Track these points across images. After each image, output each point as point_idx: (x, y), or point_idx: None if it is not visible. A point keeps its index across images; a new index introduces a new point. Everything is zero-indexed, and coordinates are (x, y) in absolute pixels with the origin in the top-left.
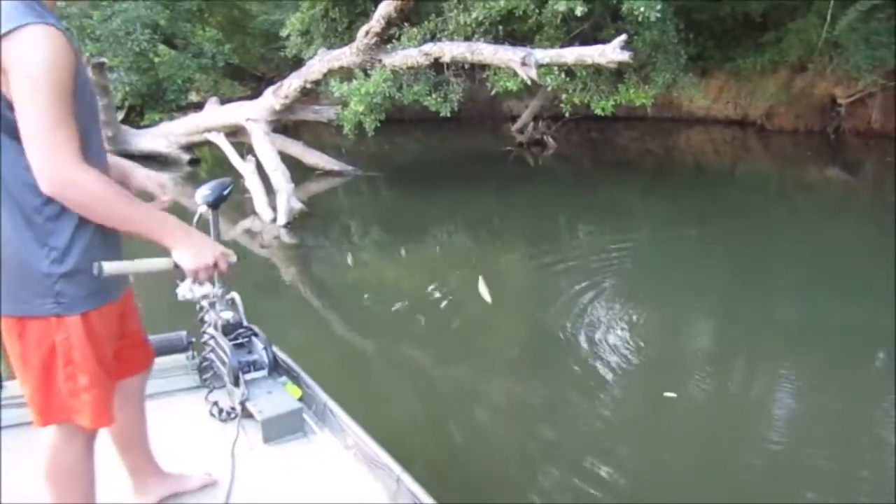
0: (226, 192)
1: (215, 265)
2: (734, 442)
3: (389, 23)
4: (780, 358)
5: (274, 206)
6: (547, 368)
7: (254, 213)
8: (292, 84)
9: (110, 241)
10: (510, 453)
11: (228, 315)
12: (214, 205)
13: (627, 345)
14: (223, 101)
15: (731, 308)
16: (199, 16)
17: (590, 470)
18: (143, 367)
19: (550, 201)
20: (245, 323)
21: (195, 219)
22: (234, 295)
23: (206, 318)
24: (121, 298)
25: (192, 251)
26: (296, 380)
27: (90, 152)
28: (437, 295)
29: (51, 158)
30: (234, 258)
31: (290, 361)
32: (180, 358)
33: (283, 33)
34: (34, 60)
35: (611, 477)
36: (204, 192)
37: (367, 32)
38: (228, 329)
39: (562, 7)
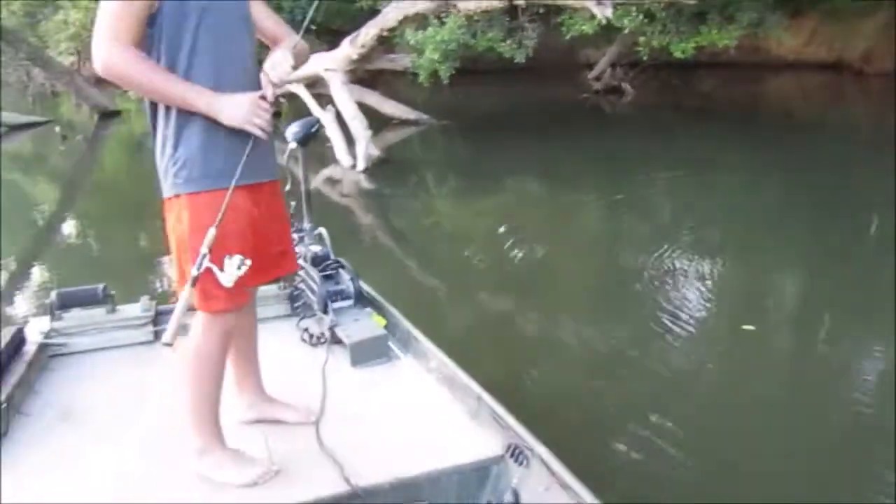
0: (313, 130)
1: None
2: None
3: None
4: (866, 317)
5: (353, 154)
6: (621, 307)
7: (335, 161)
8: (369, 33)
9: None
10: (584, 387)
11: (317, 248)
12: (303, 142)
13: (703, 288)
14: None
15: (815, 262)
16: None
17: (667, 407)
18: (277, 274)
19: (626, 150)
20: (332, 256)
21: (285, 155)
22: (322, 230)
23: (297, 250)
24: (247, 194)
25: (231, 112)
26: (380, 310)
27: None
28: (508, 239)
29: (99, 44)
30: (268, 91)
31: (374, 293)
32: (272, 288)
33: None
34: None
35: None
36: (293, 129)
37: None
38: (317, 261)
39: None
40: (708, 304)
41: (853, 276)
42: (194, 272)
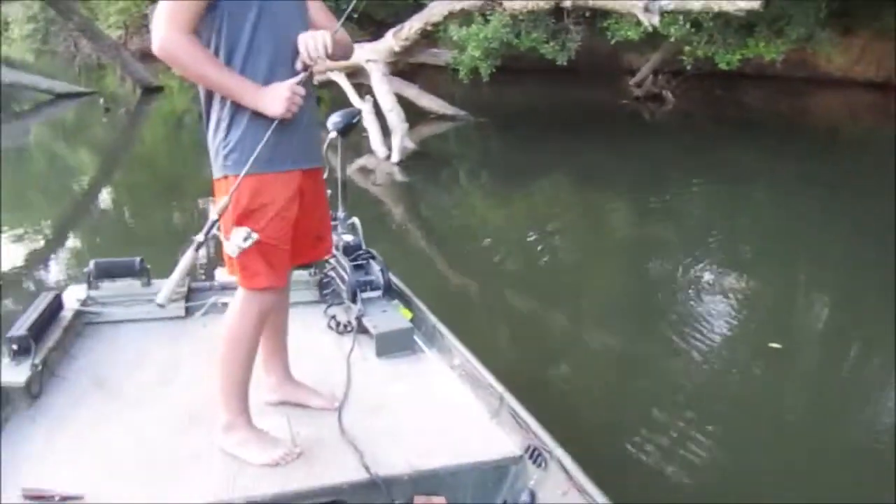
0: (354, 121)
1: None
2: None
3: None
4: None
5: (389, 145)
6: (648, 314)
7: (370, 151)
8: (413, 26)
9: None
10: (605, 392)
11: (349, 238)
12: (343, 132)
13: (731, 303)
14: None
15: (849, 281)
16: None
17: (687, 414)
18: (313, 258)
19: (664, 157)
20: (364, 246)
21: (325, 144)
22: (355, 220)
23: None
24: (293, 178)
25: (271, 103)
26: (408, 303)
27: (253, 37)
28: (538, 238)
29: (158, 26)
30: (303, 91)
31: (402, 286)
32: (303, 273)
33: None
34: None
35: (710, 425)
36: (334, 119)
37: None
38: (349, 250)
39: None
40: (736, 318)
41: (886, 298)
42: (200, 238)
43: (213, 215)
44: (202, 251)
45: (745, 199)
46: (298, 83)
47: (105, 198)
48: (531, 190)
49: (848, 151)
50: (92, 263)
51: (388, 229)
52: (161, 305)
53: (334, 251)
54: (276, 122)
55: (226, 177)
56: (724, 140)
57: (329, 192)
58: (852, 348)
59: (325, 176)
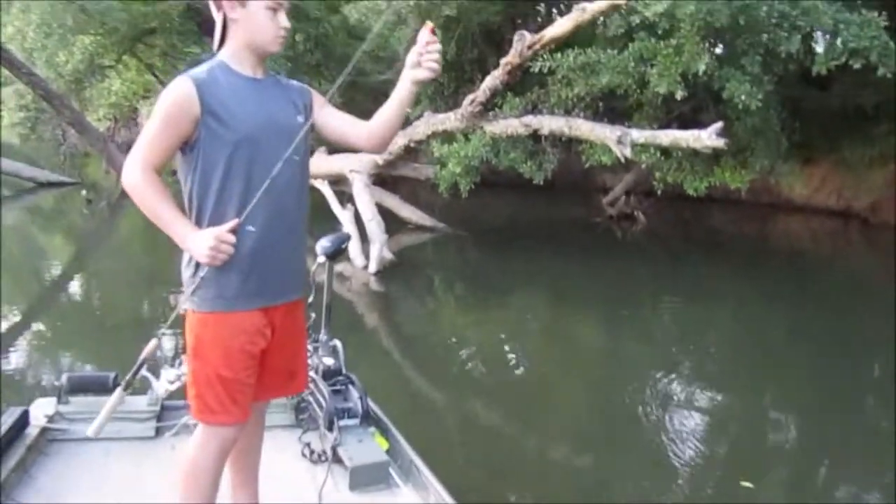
0: (343, 246)
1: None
2: None
3: (494, 93)
4: (866, 470)
5: (367, 253)
6: (615, 439)
7: (347, 259)
8: (397, 142)
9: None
10: None
11: (329, 361)
12: (332, 256)
13: (700, 427)
14: (330, 152)
15: (815, 405)
16: (317, 70)
17: None
18: (283, 394)
19: (635, 275)
20: (344, 371)
21: (313, 268)
22: (337, 343)
23: (310, 361)
24: (260, 316)
25: (195, 247)
26: (385, 432)
27: (232, 178)
28: (512, 354)
29: (130, 160)
30: (231, 238)
31: (380, 413)
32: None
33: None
34: (162, 94)
35: None
36: (324, 243)
37: (472, 101)
38: (328, 374)
39: (662, 89)
40: (704, 443)
41: (853, 422)
42: (128, 376)
43: (142, 354)
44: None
45: (712, 318)
46: (231, 230)
47: (76, 286)
48: (506, 303)
49: (810, 274)
50: (64, 377)
51: (362, 340)
52: (89, 438)
53: (313, 374)
54: (244, 258)
55: (192, 311)
56: (693, 260)
57: (313, 315)
58: (821, 476)
59: (310, 300)
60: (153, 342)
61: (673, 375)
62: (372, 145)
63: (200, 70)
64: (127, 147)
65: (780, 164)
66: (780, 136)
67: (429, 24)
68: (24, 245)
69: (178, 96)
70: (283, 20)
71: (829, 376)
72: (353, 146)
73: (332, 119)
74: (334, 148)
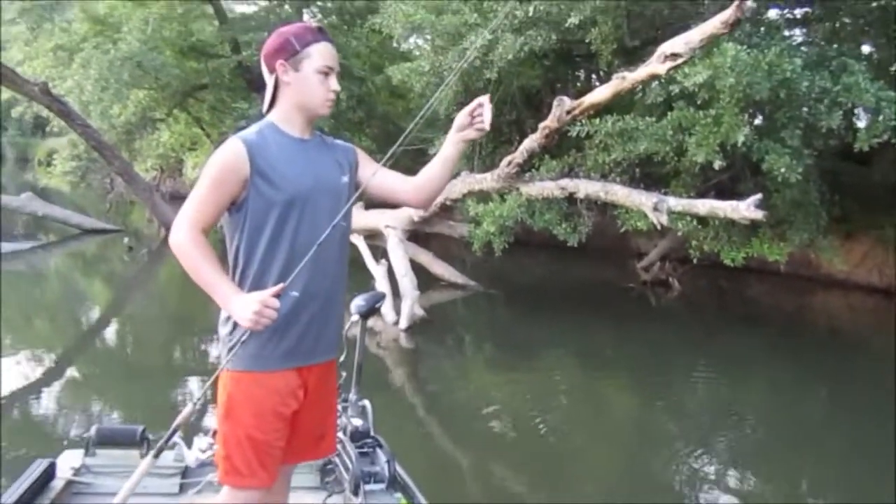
0: (378, 305)
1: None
2: None
3: (532, 155)
4: None
5: (398, 309)
6: None
7: (378, 313)
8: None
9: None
10: None
11: (358, 422)
12: (366, 315)
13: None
14: (366, 207)
15: (852, 490)
16: (359, 127)
17: None
18: (312, 457)
19: (668, 344)
20: (372, 433)
21: (346, 328)
22: (367, 403)
23: (338, 422)
24: (294, 377)
25: (239, 311)
26: (411, 498)
27: (278, 240)
28: (541, 417)
29: (178, 219)
30: (276, 304)
31: (407, 479)
32: None
33: (432, 151)
34: (212, 156)
35: None
36: (359, 302)
37: (509, 162)
38: (356, 436)
39: (700, 158)
40: None
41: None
42: (161, 443)
43: (176, 420)
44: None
45: (747, 392)
46: (275, 295)
47: (112, 331)
48: (536, 364)
49: (850, 352)
50: (93, 430)
51: (390, 398)
52: (114, 493)
53: (341, 435)
54: (284, 319)
55: (227, 369)
56: (728, 331)
57: (343, 374)
58: None
59: (342, 359)
60: (188, 408)
61: (704, 450)
62: (420, 201)
63: (250, 131)
64: (171, 196)
65: (820, 237)
66: (820, 209)
67: (487, 97)
68: (64, 290)
69: (228, 157)
70: (334, 84)
71: (868, 460)
72: (401, 202)
73: (379, 177)
74: (371, 202)
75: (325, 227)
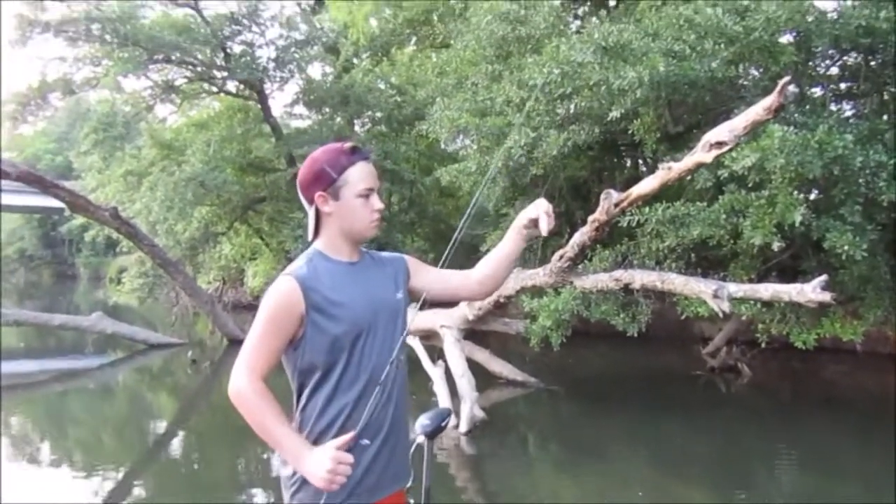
0: (444, 424)
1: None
2: None
3: (583, 248)
4: None
5: (457, 410)
6: None
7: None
8: (487, 298)
9: None
10: None
11: None
12: (432, 435)
13: None
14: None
15: None
16: (410, 228)
17: None
18: None
19: (744, 435)
20: None
21: (411, 448)
22: None
23: None
24: None
25: (312, 469)
26: None
27: (340, 380)
28: None
29: (236, 367)
30: (349, 459)
31: None
32: None
33: (483, 248)
34: (265, 296)
35: None
36: (423, 421)
37: (561, 256)
38: None
39: (757, 240)
40: None
41: None
42: None
43: None
44: None
45: (834, 485)
46: (341, 447)
47: (177, 443)
48: (603, 465)
49: None
50: None
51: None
52: None
53: None
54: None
55: None
56: (807, 417)
57: (412, 501)
58: None
59: (408, 485)
60: None
61: None
62: (483, 294)
63: (300, 265)
64: (234, 306)
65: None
66: (892, 283)
67: (548, 206)
68: (131, 405)
69: (282, 297)
70: (377, 203)
71: None
72: (463, 298)
73: (436, 281)
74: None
75: (386, 348)
